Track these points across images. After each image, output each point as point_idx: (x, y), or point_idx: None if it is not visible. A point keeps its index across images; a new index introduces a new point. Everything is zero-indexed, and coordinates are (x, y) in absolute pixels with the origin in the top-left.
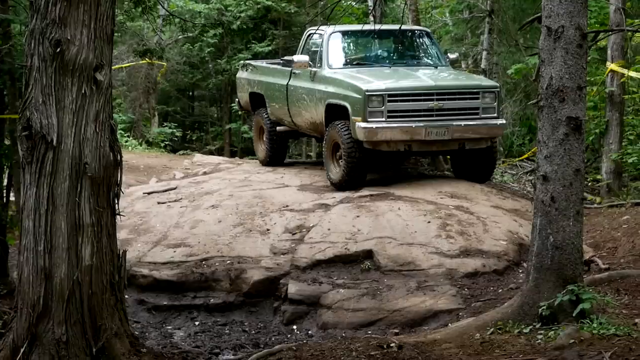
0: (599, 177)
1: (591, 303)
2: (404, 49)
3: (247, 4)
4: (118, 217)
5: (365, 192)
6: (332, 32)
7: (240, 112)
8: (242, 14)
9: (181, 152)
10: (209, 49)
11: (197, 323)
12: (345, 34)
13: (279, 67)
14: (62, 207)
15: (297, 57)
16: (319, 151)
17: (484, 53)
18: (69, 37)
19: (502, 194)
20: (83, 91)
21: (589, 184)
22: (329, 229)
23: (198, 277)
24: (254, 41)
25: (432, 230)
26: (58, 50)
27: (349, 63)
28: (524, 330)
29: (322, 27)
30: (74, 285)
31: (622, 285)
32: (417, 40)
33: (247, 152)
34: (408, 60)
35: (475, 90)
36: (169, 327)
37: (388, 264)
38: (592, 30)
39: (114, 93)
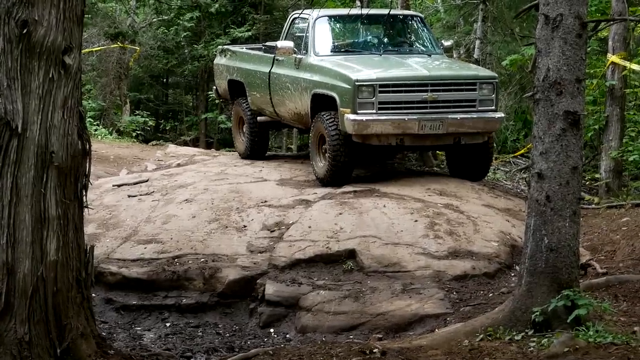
0: (597, 175)
1: (587, 309)
2: (395, 35)
3: None
4: (86, 210)
5: (348, 188)
6: (319, 17)
7: (217, 101)
8: None
9: (154, 142)
10: (185, 33)
11: (168, 324)
12: (332, 18)
13: (260, 53)
14: (26, 199)
15: (280, 43)
16: (300, 144)
17: (477, 42)
18: (36, 18)
19: (494, 192)
20: (50, 75)
21: (587, 183)
22: (309, 227)
23: (170, 275)
24: (233, 26)
25: (419, 230)
26: (25, 31)
27: (336, 50)
28: (516, 337)
29: (307, 11)
30: (37, 282)
31: (621, 291)
32: (409, 26)
33: (223, 143)
34: (400, 47)
35: (472, 81)
36: (139, 328)
37: (372, 264)
38: (593, 19)
39: (83, 79)
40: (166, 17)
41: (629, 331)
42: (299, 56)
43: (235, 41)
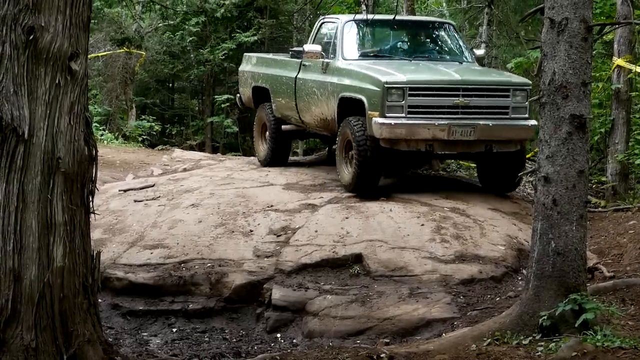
0: (603, 179)
1: (595, 313)
2: (425, 42)
3: None
4: (92, 215)
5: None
6: (348, 21)
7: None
8: (227, 1)
9: (160, 147)
10: (190, 38)
11: (174, 330)
12: (362, 23)
13: (287, 58)
14: (33, 205)
15: (308, 47)
16: (305, 148)
17: (483, 45)
18: (42, 24)
19: (500, 195)
20: (57, 81)
21: (593, 186)
22: (316, 231)
23: (176, 280)
24: (238, 30)
25: (426, 234)
26: (31, 37)
27: (365, 55)
28: (523, 342)
29: (335, 15)
30: (44, 288)
31: (628, 295)
32: (441, 33)
33: (229, 148)
34: (430, 54)
35: (505, 87)
36: (145, 334)
37: (378, 269)
38: (598, 22)
39: (89, 84)
40: (172, 22)
41: (636, 335)
42: (327, 60)
43: (240, 46)
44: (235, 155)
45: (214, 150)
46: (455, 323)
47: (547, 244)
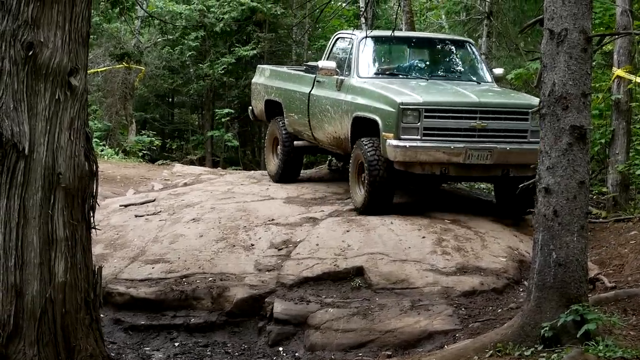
0: (604, 189)
1: (597, 324)
2: (443, 61)
3: (230, 5)
4: (93, 231)
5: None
6: (364, 38)
7: (224, 120)
8: (226, 16)
9: (160, 161)
10: (190, 53)
11: (176, 344)
12: (378, 40)
13: (301, 73)
14: (34, 220)
15: (322, 63)
16: (306, 161)
17: (482, 57)
18: (42, 40)
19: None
20: (57, 97)
21: (594, 197)
22: (317, 245)
23: (178, 295)
24: (237, 44)
25: (427, 246)
26: (30, 53)
27: (381, 72)
28: (525, 353)
29: (351, 31)
30: (46, 304)
31: (630, 305)
32: (459, 51)
33: (230, 162)
34: (448, 73)
35: (524, 110)
36: (147, 349)
37: (380, 281)
38: (598, 33)
39: (89, 99)
40: (171, 37)
41: (639, 345)
42: (341, 77)
43: (240, 60)
44: (236, 170)
45: (215, 164)
46: (457, 335)
47: (548, 255)
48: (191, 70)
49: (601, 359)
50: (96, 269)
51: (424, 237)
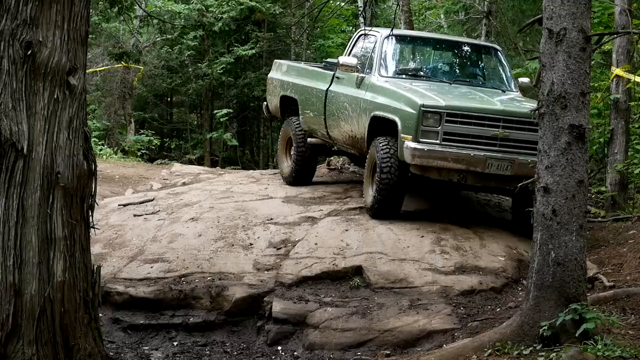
0: (603, 189)
1: (595, 323)
2: (468, 65)
3: (229, 4)
4: (92, 230)
5: (353, 204)
6: (388, 35)
7: (225, 121)
8: (224, 15)
9: (159, 161)
10: (188, 52)
11: (175, 343)
12: (402, 39)
13: (319, 69)
14: (32, 220)
15: (343, 59)
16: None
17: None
18: (40, 39)
19: (499, 206)
20: (55, 96)
21: (593, 196)
22: (315, 244)
23: (177, 294)
24: (236, 44)
25: (426, 245)
26: (29, 52)
27: (403, 73)
28: (524, 352)
29: (375, 29)
30: (45, 303)
31: (629, 304)
32: (485, 57)
33: (228, 161)
34: (472, 78)
35: None
36: (146, 348)
37: (379, 280)
38: (596, 32)
39: (87, 99)
40: (170, 37)
41: (637, 344)
42: (361, 75)
43: (239, 59)
44: (235, 169)
45: (213, 164)
46: (456, 334)
47: (547, 254)
48: (190, 69)
49: (600, 358)
50: (95, 268)
51: (422, 237)
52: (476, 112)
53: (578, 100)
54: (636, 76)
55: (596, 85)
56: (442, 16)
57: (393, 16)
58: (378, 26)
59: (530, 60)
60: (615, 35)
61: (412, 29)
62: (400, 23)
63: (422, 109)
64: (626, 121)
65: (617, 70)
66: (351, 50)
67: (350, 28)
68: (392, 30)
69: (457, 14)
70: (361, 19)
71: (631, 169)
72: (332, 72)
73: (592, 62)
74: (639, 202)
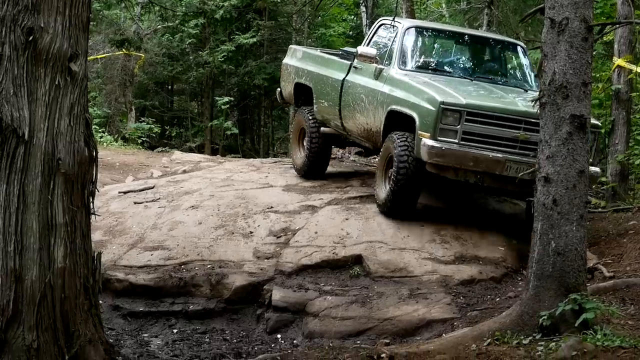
0: (603, 179)
1: (595, 313)
2: (491, 62)
3: None
4: (93, 217)
5: (354, 193)
6: (410, 27)
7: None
8: (226, 3)
9: (159, 149)
10: (189, 40)
11: (175, 331)
12: (425, 31)
13: (335, 58)
14: (33, 206)
15: (362, 49)
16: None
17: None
18: (42, 25)
19: (500, 196)
20: (57, 82)
21: (593, 186)
22: (316, 232)
23: (177, 282)
24: (237, 32)
25: (426, 235)
26: (30, 38)
27: (424, 66)
28: (524, 342)
29: (397, 19)
30: (45, 289)
31: (628, 295)
32: (508, 54)
33: (229, 149)
34: (494, 76)
35: None
36: (146, 335)
37: (378, 269)
38: (599, 22)
39: (88, 86)
40: (171, 24)
41: (637, 334)
42: (380, 66)
43: (240, 47)
44: (235, 157)
45: (214, 152)
46: (455, 323)
47: (547, 244)
48: (191, 57)
49: (599, 347)
50: (95, 255)
51: (422, 226)
52: (498, 113)
53: (579, 90)
54: (638, 67)
55: (598, 75)
56: (443, 5)
57: (395, 5)
58: (379, 16)
59: (532, 50)
60: (618, 26)
61: (413, 17)
62: (402, 12)
63: (442, 106)
64: (627, 112)
65: (618, 61)
66: (370, 40)
67: (352, 17)
68: (393, 18)
69: (459, 3)
70: (362, 8)
71: (632, 160)
72: (350, 62)
73: (594, 53)
74: (639, 193)
